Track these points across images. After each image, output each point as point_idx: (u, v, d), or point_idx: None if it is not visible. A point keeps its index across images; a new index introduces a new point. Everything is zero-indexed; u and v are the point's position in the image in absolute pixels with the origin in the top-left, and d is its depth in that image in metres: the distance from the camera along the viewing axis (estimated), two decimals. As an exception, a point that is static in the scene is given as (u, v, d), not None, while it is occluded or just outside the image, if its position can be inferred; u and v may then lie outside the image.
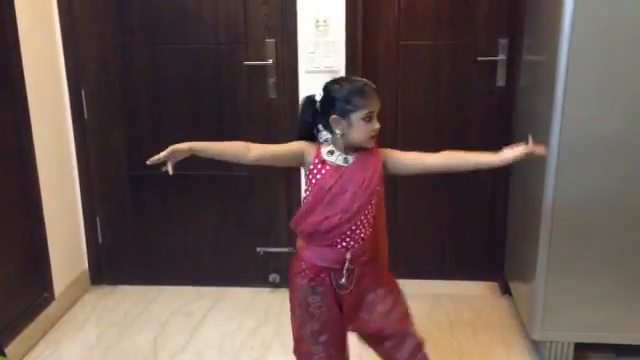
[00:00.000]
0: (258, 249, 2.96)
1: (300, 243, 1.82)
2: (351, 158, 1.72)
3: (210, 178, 2.91)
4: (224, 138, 2.88)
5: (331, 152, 1.72)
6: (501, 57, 2.71)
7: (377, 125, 1.67)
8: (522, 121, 2.58)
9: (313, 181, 1.72)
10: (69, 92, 2.80)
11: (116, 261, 3.05)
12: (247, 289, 2.98)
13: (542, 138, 2.16)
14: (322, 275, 1.76)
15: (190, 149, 1.72)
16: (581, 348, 2.31)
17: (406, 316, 1.85)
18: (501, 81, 2.74)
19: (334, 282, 1.76)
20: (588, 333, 2.27)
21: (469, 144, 2.82)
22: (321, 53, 2.63)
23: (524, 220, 2.50)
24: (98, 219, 3.00)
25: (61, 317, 2.76)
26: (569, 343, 2.30)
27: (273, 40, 2.70)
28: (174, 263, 3.03)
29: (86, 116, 2.85)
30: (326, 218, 1.70)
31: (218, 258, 3.01)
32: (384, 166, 1.74)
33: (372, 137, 1.68)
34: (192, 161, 2.98)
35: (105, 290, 3.02)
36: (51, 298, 2.69)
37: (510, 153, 1.71)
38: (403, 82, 2.80)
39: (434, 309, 2.74)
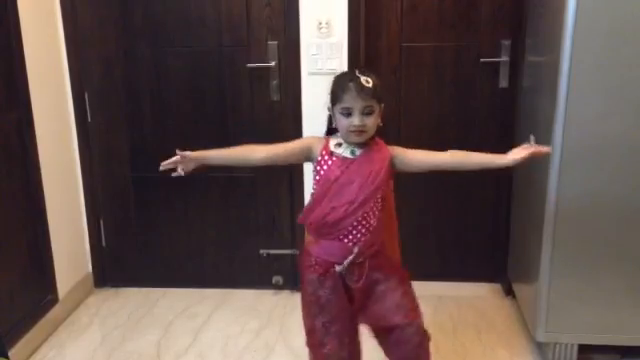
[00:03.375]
0: (261, 251, 2.96)
1: (309, 238, 1.84)
2: (358, 151, 1.73)
3: (213, 180, 2.91)
4: (227, 140, 2.89)
5: (339, 144, 1.74)
6: (504, 58, 2.71)
7: (356, 121, 1.66)
8: (525, 122, 2.58)
9: (321, 172, 1.74)
10: (72, 95, 2.81)
11: (120, 263, 3.06)
12: (250, 291, 2.98)
13: (545, 139, 2.16)
14: (331, 270, 1.78)
15: (199, 157, 1.75)
16: (585, 350, 2.30)
17: (414, 308, 1.85)
18: (504, 82, 2.74)
19: (344, 276, 1.78)
20: (592, 335, 2.26)
21: (472, 145, 2.80)
22: (324, 55, 2.63)
23: (527, 221, 2.49)
24: (102, 221, 3.00)
25: (65, 319, 2.76)
26: (573, 345, 2.29)
27: (276, 42, 2.70)
28: (177, 265, 3.03)
29: (89, 119, 2.86)
30: (332, 209, 1.72)
31: (221, 260, 3.01)
32: (392, 163, 1.75)
33: (352, 132, 1.68)
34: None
35: (109, 292, 3.03)
36: (55, 300, 2.70)
37: (516, 155, 1.72)
38: (406, 84, 2.80)
39: (437, 311, 2.73)
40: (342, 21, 2.60)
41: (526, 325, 2.51)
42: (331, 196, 1.72)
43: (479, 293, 2.93)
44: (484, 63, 2.73)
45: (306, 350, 2.12)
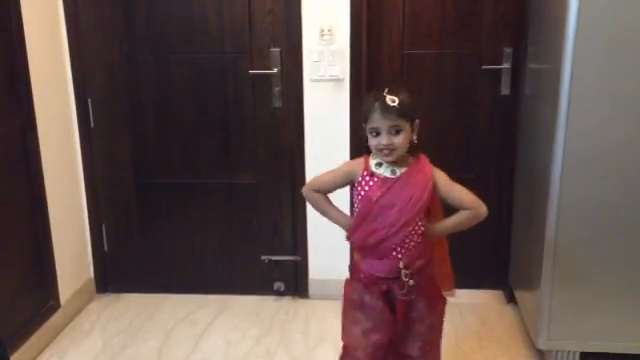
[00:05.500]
0: (263, 257, 2.97)
1: (356, 255, 1.86)
2: (399, 170, 1.73)
3: (215, 186, 2.91)
4: (229, 146, 2.91)
5: (379, 164, 1.75)
6: (506, 65, 2.71)
7: (384, 141, 1.67)
8: (527, 130, 2.58)
9: (362, 193, 1.75)
10: (76, 101, 2.82)
11: (122, 269, 3.06)
12: (252, 297, 2.98)
13: (547, 147, 2.16)
14: (379, 283, 1.78)
15: None
16: (587, 357, 2.30)
17: (432, 342, 1.88)
18: (506, 89, 2.74)
19: (395, 290, 1.78)
20: (594, 342, 2.26)
21: (474, 153, 2.85)
22: (326, 62, 2.64)
23: (529, 229, 2.49)
24: (104, 227, 3.01)
25: (66, 325, 2.76)
26: (575, 352, 2.29)
27: (278, 49, 2.71)
28: (179, 271, 3.04)
29: (92, 125, 2.87)
30: (373, 232, 1.74)
31: (223, 266, 3.01)
32: (435, 187, 1.74)
33: (380, 150, 1.69)
34: (197, 169, 3.00)
35: (110, 298, 3.03)
36: (57, 306, 2.70)
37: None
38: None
39: (439, 318, 2.73)
40: (344, 28, 2.61)
41: (528, 333, 2.51)
42: (372, 217, 1.73)
43: (481, 300, 2.92)
44: (486, 70, 2.74)
45: (308, 356, 2.14)
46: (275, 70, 2.73)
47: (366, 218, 1.74)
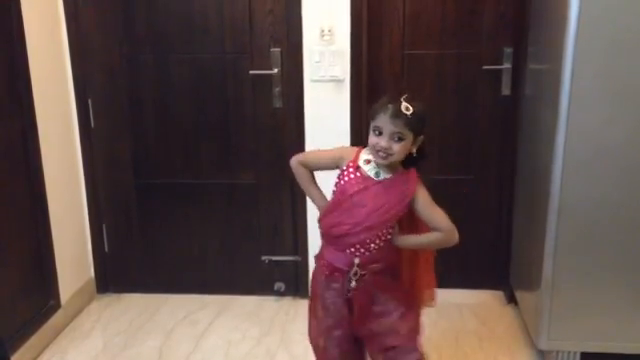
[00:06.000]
0: (263, 257, 2.96)
1: (322, 241, 1.87)
2: (383, 175, 1.73)
3: (215, 186, 2.92)
4: (230, 147, 2.91)
5: (368, 161, 1.74)
6: (506, 66, 2.71)
7: (383, 143, 1.65)
8: (527, 130, 2.58)
9: (341, 183, 1.75)
10: (76, 101, 2.82)
11: (122, 269, 3.06)
12: (252, 297, 2.98)
13: (547, 146, 2.16)
14: (336, 274, 1.79)
15: None
16: (588, 358, 2.30)
17: (412, 331, 1.86)
18: (506, 90, 2.74)
19: (344, 283, 1.79)
20: (595, 342, 2.26)
21: (474, 153, 2.85)
22: (326, 62, 2.64)
23: (530, 229, 2.49)
24: (104, 227, 3.01)
25: (67, 325, 2.76)
26: (575, 353, 2.29)
27: (278, 49, 2.71)
28: (180, 272, 3.03)
29: (93, 125, 2.87)
30: (339, 224, 1.74)
31: (223, 266, 3.01)
32: (413, 201, 1.73)
33: (377, 152, 1.68)
34: (197, 169, 3.00)
35: (111, 298, 3.03)
36: (57, 306, 2.70)
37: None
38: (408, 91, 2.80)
39: (440, 318, 2.72)
40: (345, 28, 2.61)
41: (528, 333, 2.51)
42: (342, 210, 1.74)
43: (481, 300, 2.92)
44: (486, 70, 2.74)
45: (308, 357, 2.13)
46: (275, 70, 2.73)
47: (336, 209, 1.75)
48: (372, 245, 1.75)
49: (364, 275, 1.77)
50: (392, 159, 1.68)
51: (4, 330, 2.24)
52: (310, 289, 1.93)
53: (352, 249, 1.75)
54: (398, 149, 1.66)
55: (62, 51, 2.75)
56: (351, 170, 1.75)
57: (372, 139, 1.69)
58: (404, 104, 1.65)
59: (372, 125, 1.69)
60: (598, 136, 2.07)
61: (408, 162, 1.74)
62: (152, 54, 2.79)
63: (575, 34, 1.99)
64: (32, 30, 2.48)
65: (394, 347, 1.83)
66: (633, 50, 2.00)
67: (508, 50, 2.69)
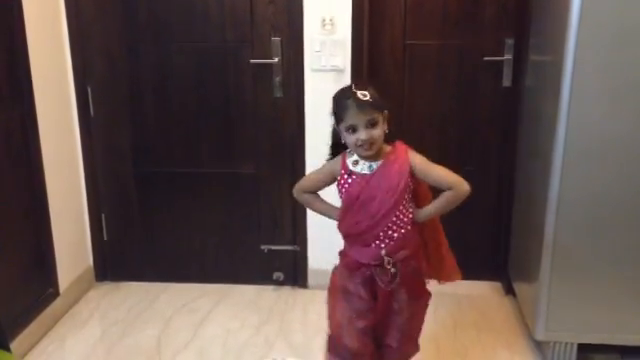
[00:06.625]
0: (262, 247, 2.97)
1: (344, 242, 1.90)
2: (375, 165, 1.76)
3: (215, 176, 2.91)
4: (230, 136, 2.90)
5: (356, 162, 1.78)
6: (507, 57, 2.71)
7: (363, 136, 1.68)
8: (528, 121, 2.58)
9: (343, 190, 1.80)
10: (75, 89, 2.81)
11: (121, 258, 3.06)
12: (251, 287, 2.98)
13: (548, 139, 2.16)
14: (363, 269, 1.82)
15: None
16: (585, 349, 2.31)
17: (411, 338, 1.93)
18: (507, 81, 2.74)
19: (377, 278, 1.81)
20: (592, 334, 2.27)
21: (475, 144, 2.84)
22: (327, 52, 2.63)
23: (528, 220, 2.50)
24: (103, 216, 3.01)
25: (65, 313, 2.77)
26: (573, 344, 2.29)
27: (279, 39, 2.70)
28: (178, 260, 3.04)
29: (92, 113, 2.86)
30: (357, 223, 1.79)
31: (223, 255, 3.01)
32: (413, 172, 1.76)
33: (360, 146, 1.71)
34: (197, 159, 3.00)
35: (109, 287, 3.03)
36: (56, 294, 2.71)
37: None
38: (409, 81, 2.80)
39: (438, 309, 2.73)
40: (346, 18, 2.60)
41: (526, 324, 2.52)
42: (355, 210, 1.78)
43: (479, 291, 2.93)
44: (487, 62, 2.73)
45: (306, 346, 2.14)
46: (276, 59, 2.72)
47: (349, 211, 1.80)
48: (395, 234, 1.78)
49: (396, 264, 1.79)
50: (377, 146, 1.72)
51: (3, 317, 2.24)
52: (330, 283, 1.92)
53: (377, 241, 1.78)
54: (378, 134, 1.71)
55: (62, 39, 2.74)
56: (346, 177, 1.79)
57: (351, 139, 1.72)
58: (359, 93, 1.70)
59: (344, 127, 1.72)
60: (599, 128, 2.07)
61: (390, 138, 1.78)
62: (152, 42, 2.78)
63: (577, 26, 1.98)
64: (32, 18, 2.47)
65: (394, 348, 1.90)
66: (635, 42, 1.99)
67: (509, 41, 2.69)
